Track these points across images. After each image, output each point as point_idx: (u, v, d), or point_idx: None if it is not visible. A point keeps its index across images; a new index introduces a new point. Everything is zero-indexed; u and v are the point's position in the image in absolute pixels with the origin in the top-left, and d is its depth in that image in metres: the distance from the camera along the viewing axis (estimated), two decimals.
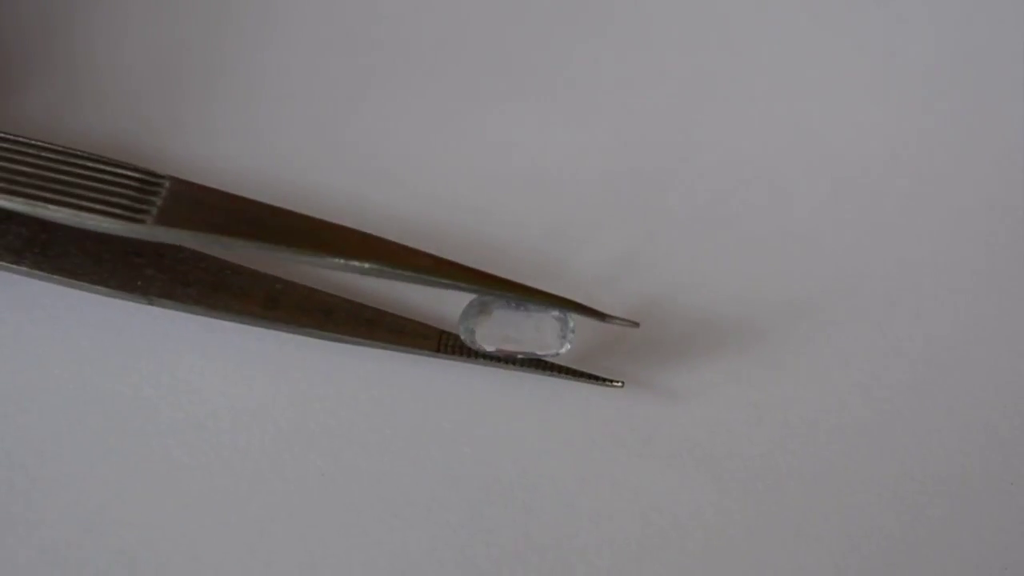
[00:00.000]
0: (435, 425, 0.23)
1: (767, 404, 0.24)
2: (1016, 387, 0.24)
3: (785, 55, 0.28)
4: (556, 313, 0.22)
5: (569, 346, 0.22)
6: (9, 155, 0.21)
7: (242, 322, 0.23)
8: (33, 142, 0.21)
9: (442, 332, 0.23)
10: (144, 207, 0.21)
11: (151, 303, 0.23)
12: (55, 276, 0.23)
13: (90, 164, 0.21)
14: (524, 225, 0.25)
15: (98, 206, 0.21)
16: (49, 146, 0.21)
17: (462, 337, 0.23)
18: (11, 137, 0.21)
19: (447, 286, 0.21)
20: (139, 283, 0.23)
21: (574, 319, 0.22)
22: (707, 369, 0.24)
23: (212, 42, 0.27)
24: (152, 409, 0.23)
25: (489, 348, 0.22)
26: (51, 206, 0.21)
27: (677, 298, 0.25)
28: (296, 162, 0.26)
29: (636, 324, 0.22)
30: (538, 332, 0.22)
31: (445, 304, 0.24)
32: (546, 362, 0.23)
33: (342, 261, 0.21)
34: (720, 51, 0.28)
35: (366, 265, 0.21)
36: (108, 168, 0.21)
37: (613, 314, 0.22)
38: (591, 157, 0.26)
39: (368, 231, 0.22)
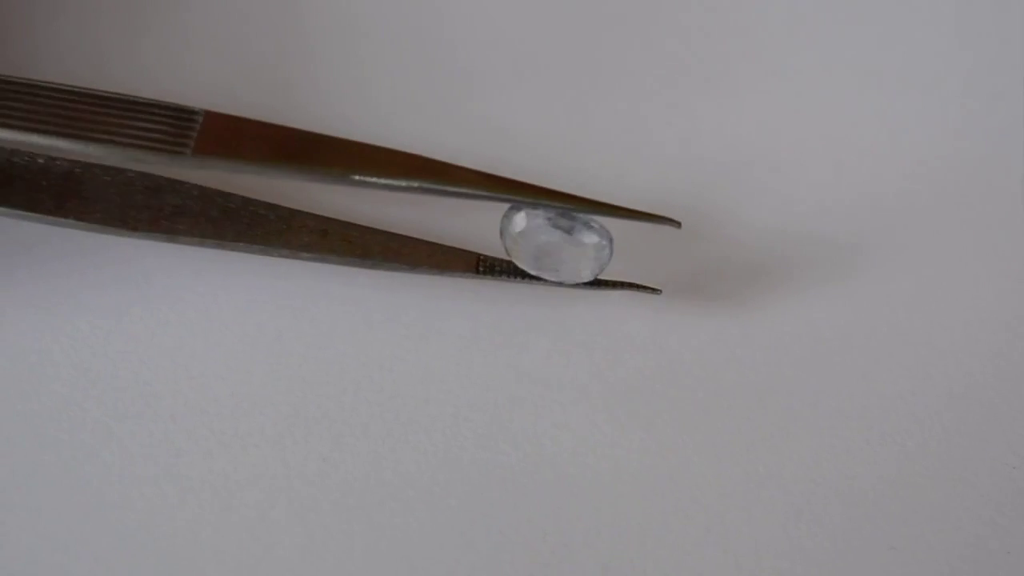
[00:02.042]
0: (435, 409, 0.23)
1: (768, 387, 0.24)
2: (1018, 369, 0.24)
3: (787, 40, 0.28)
4: (596, 235, 0.23)
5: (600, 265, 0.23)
6: (47, 98, 0.21)
7: (282, 256, 0.23)
8: (64, 87, 0.21)
9: (480, 256, 0.24)
10: (181, 140, 0.21)
11: (175, 240, 0.23)
12: (83, 223, 0.23)
13: (123, 102, 0.21)
14: None
15: (135, 141, 0.21)
16: (76, 89, 0.21)
17: (501, 233, 0.23)
18: (44, 83, 0.22)
19: (493, 198, 0.22)
20: (165, 223, 0.23)
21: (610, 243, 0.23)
22: (709, 350, 0.24)
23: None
24: (152, 395, 0.23)
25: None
26: (92, 144, 0.21)
27: (676, 281, 0.25)
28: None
29: (678, 223, 0.23)
30: (576, 244, 0.22)
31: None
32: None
33: (390, 181, 0.21)
34: (722, 35, 0.28)
35: (415, 184, 0.21)
36: (141, 105, 0.21)
37: (654, 212, 0.22)
38: (590, 142, 0.26)
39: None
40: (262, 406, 0.23)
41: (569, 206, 0.22)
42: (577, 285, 0.23)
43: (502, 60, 0.28)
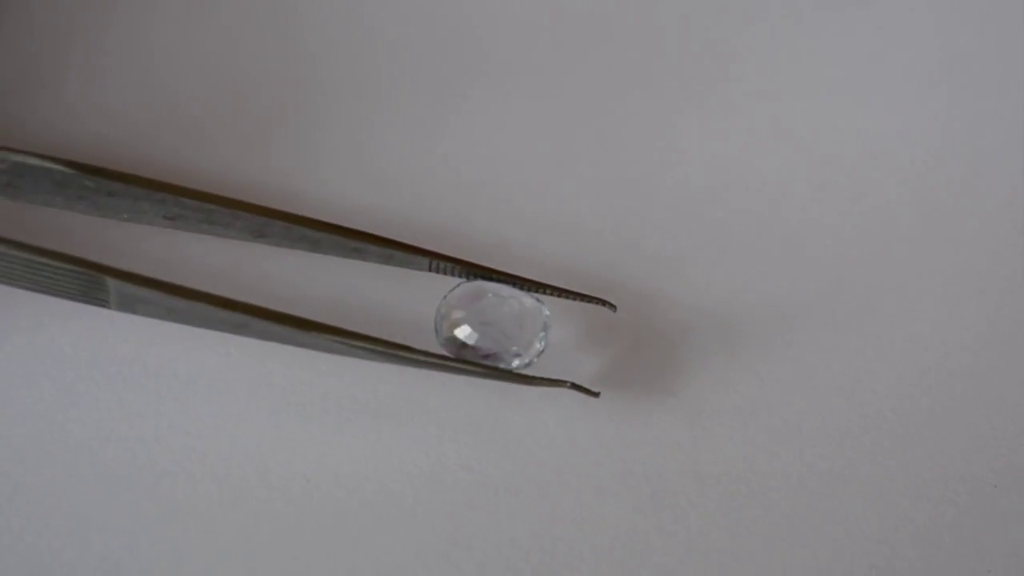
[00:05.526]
0: (419, 430, 0.23)
1: (750, 408, 0.24)
2: (998, 388, 0.24)
3: (766, 58, 0.28)
4: (534, 304, 0.23)
5: (541, 346, 0.23)
6: None
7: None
8: None
9: (433, 254, 0.23)
10: (101, 297, 0.22)
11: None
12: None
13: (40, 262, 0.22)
14: (499, 234, 0.25)
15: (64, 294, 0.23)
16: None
17: (435, 322, 0.23)
18: None
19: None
20: (126, 215, 0.24)
21: (549, 318, 0.23)
22: (689, 373, 0.24)
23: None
24: (136, 416, 0.23)
25: (463, 337, 0.23)
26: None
27: (658, 303, 0.25)
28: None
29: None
30: (517, 321, 0.23)
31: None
32: (517, 372, 0.23)
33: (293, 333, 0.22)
34: (702, 55, 0.28)
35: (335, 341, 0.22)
36: (55, 265, 0.22)
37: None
38: (572, 163, 0.26)
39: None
40: (245, 427, 0.23)
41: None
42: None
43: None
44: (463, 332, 0.23)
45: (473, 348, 0.23)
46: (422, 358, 0.22)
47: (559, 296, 0.23)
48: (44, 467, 0.22)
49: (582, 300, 0.24)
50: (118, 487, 0.22)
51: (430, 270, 0.24)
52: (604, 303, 0.24)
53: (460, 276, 0.24)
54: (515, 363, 0.23)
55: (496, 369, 0.23)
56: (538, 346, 0.23)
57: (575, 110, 0.27)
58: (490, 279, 0.23)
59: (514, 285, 0.23)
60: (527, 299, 0.23)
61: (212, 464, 0.23)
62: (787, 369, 0.24)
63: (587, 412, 0.24)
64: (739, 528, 0.23)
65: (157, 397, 0.23)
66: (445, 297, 0.23)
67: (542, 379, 0.23)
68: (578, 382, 0.23)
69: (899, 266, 0.26)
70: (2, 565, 0.22)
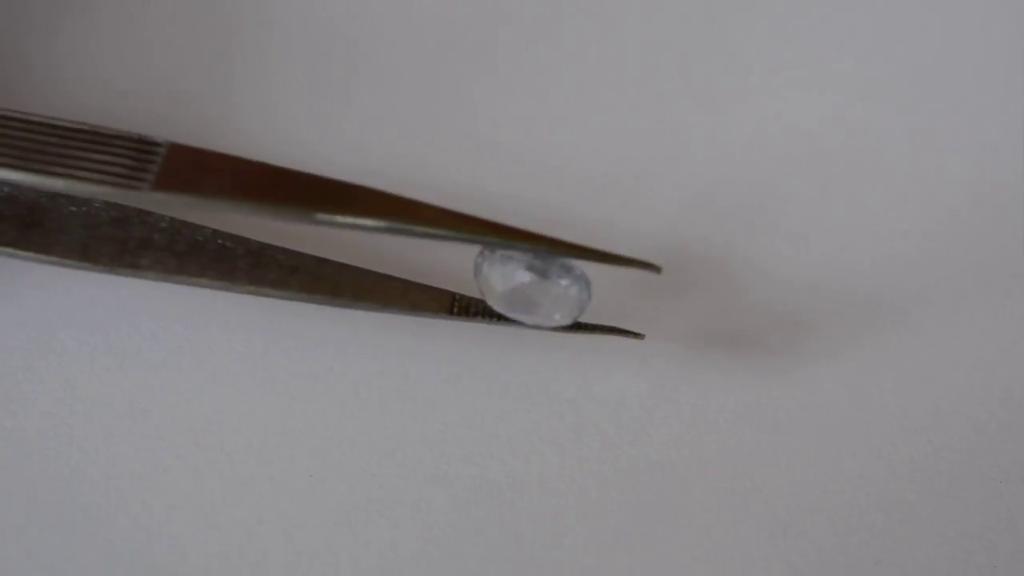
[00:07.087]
0: (423, 426, 0.23)
1: (755, 404, 0.24)
2: (1004, 384, 0.24)
3: (771, 53, 0.28)
4: (571, 279, 0.21)
5: (584, 300, 0.22)
6: (3, 129, 0.21)
7: (248, 292, 0.22)
8: (23, 116, 0.21)
9: (455, 295, 0.23)
10: (141, 174, 0.20)
11: (138, 275, 0.22)
12: (45, 256, 0.22)
13: (83, 133, 0.21)
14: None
15: (94, 175, 0.20)
16: (39, 119, 0.21)
17: (475, 272, 0.22)
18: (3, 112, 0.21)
19: (464, 240, 0.21)
20: (128, 257, 0.23)
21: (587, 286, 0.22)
22: (695, 370, 0.24)
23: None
24: (140, 412, 0.23)
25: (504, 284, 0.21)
26: (49, 177, 0.20)
27: (663, 300, 0.25)
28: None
29: (658, 268, 0.21)
30: (551, 287, 0.21)
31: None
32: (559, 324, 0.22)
33: (356, 220, 0.20)
34: (706, 49, 0.28)
35: (382, 224, 0.20)
36: (102, 136, 0.21)
37: (633, 257, 0.21)
38: (577, 156, 0.26)
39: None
40: (249, 423, 0.23)
41: (543, 248, 0.21)
42: (555, 329, 0.22)
43: (478, 73, 0.27)
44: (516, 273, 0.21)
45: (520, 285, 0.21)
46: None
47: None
48: (48, 463, 0.22)
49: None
50: (121, 483, 0.22)
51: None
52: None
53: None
54: (556, 316, 0.22)
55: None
56: (580, 301, 0.22)
57: (579, 100, 0.27)
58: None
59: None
60: (567, 279, 0.21)
61: (215, 459, 0.23)
62: (791, 366, 0.24)
63: (591, 408, 0.23)
64: (745, 524, 0.23)
65: (161, 393, 0.23)
66: (482, 252, 0.22)
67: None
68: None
69: (904, 262, 0.26)
70: (6, 560, 0.22)
